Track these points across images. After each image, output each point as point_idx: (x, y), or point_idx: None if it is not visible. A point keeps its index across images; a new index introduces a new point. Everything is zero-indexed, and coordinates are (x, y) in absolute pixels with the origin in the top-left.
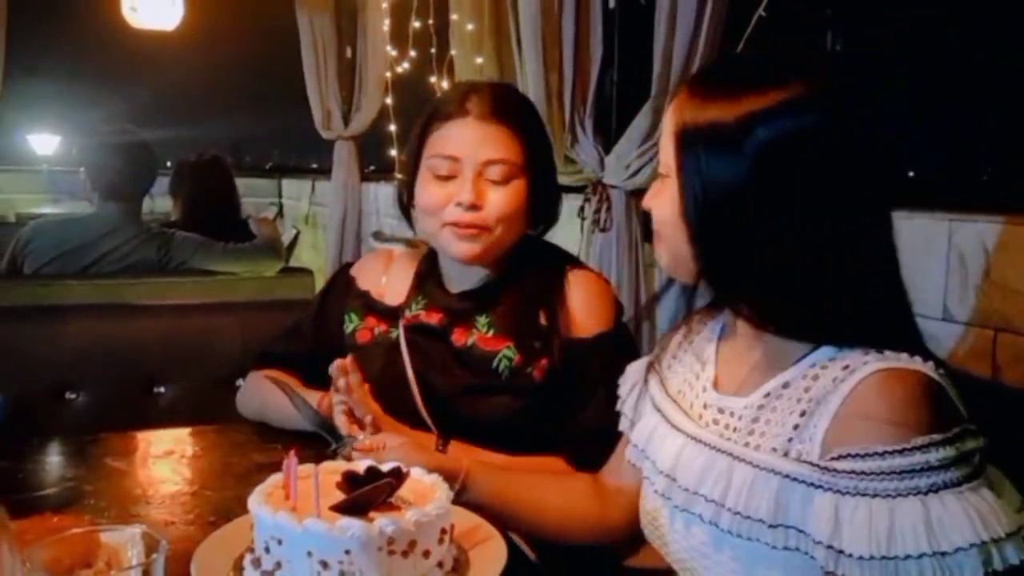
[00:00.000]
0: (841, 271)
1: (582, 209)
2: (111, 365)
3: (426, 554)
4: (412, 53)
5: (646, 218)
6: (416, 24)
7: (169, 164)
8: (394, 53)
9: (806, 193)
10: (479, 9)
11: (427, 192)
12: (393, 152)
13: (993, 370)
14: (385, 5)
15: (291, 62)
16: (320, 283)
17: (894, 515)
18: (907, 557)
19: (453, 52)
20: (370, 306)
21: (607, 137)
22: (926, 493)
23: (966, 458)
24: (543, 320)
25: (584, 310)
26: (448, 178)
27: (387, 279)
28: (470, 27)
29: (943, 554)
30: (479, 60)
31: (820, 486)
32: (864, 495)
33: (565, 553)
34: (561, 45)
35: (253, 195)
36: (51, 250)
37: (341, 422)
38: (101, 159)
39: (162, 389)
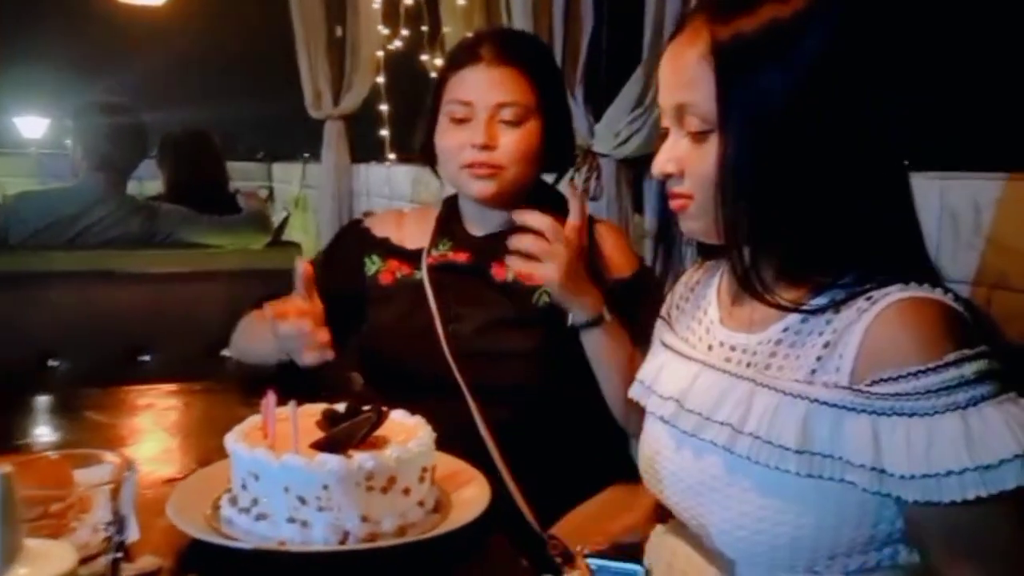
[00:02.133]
0: (875, 196)
1: (572, 178)
2: (95, 333)
3: (406, 492)
4: (404, 31)
5: (636, 187)
6: (408, 1)
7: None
8: (386, 31)
9: (851, 108)
10: None
11: (445, 136)
12: (384, 132)
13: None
14: None
15: (283, 42)
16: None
17: (932, 433)
18: (948, 473)
19: (446, 29)
20: (391, 250)
21: (597, 105)
22: (965, 407)
23: (997, 373)
24: None
25: (619, 255)
26: (464, 121)
27: (404, 229)
28: (461, 2)
29: (986, 467)
30: (470, 35)
31: (853, 409)
32: (901, 415)
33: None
34: (551, 14)
35: (244, 179)
36: (36, 221)
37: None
38: (94, 128)
39: (147, 358)
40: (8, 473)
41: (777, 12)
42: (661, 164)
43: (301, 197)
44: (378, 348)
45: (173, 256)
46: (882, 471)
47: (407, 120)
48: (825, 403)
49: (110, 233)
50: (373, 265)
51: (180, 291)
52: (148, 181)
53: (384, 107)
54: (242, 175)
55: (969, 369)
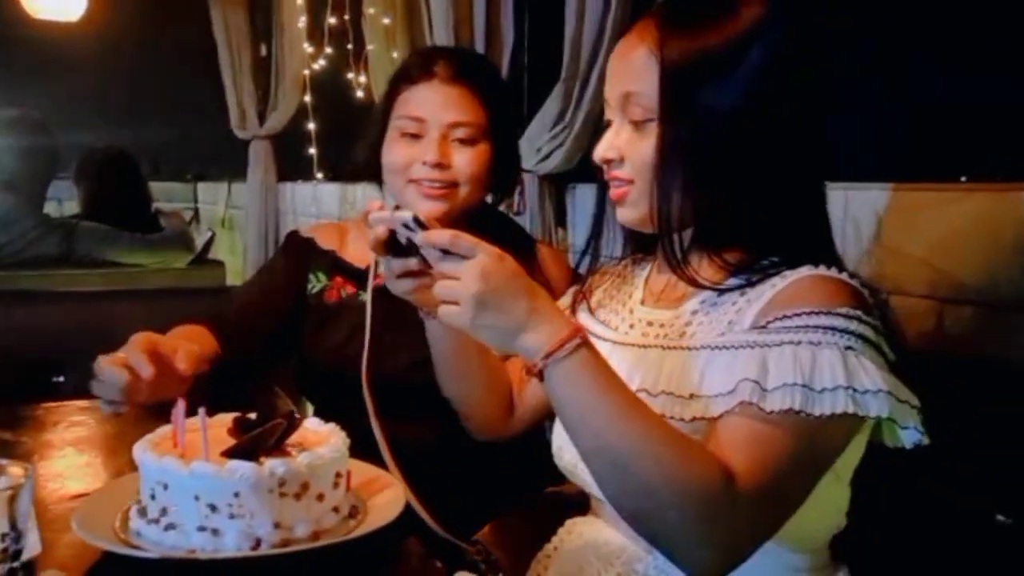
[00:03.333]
0: (795, 191)
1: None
2: (6, 354)
3: (320, 497)
4: (328, 50)
5: (558, 201)
6: (332, 20)
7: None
8: (310, 50)
9: (784, 111)
10: (393, 2)
11: (394, 151)
12: (312, 151)
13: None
14: (300, 2)
15: (207, 61)
16: (232, 275)
17: (816, 357)
18: (823, 390)
19: (369, 47)
20: (337, 265)
21: (519, 122)
22: (845, 349)
23: (882, 352)
24: None
25: (564, 281)
26: (415, 137)
27: (347, 244)
28: (386, 21)
29: (856, 390)
30: (395, 55)
31: (746, 346)
32: (789, 344)
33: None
34: (472, 32)
35: (168, 200)
36: None
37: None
38: None
39: (61, 378)
40: None
41: (723, 27)
42: (603, 151)
43: (227, 217)
44: (312, 366)
45: (93, 276)
46: (764, 388)
47: (334, 139)
48: (722, 348)
49: (25, 254)
50: (319, 282)
51: (97, 310)
52: (68, 201)
53: (312, 126)
54: (166, 195)
55: (857, 326)
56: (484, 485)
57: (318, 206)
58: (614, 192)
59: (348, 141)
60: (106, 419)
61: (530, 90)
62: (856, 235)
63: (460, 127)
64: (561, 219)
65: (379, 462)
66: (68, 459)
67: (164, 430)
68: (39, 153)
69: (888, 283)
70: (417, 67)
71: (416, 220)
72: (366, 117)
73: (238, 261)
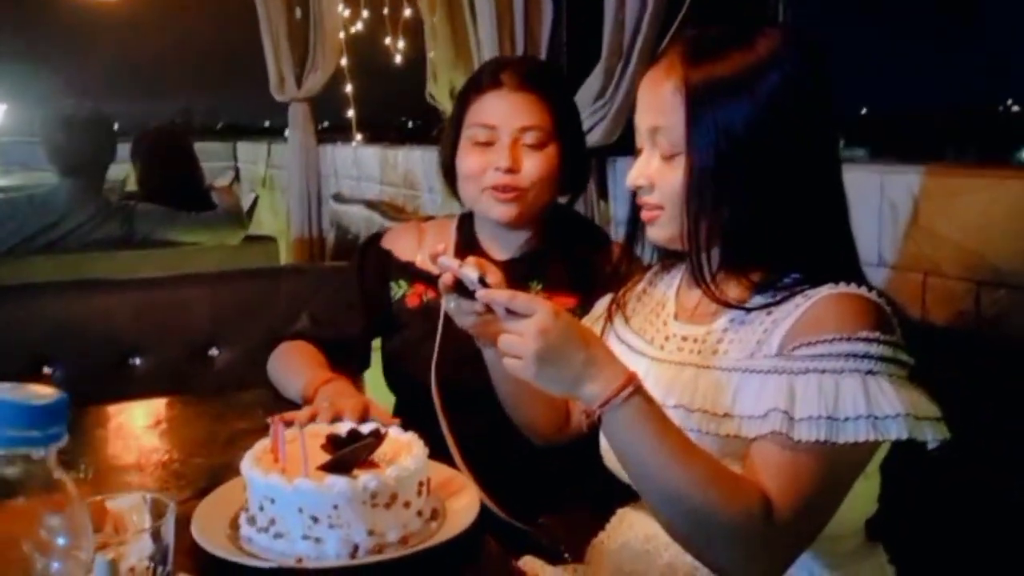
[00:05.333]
0: (817, 210)
1: None
2: (85, 341)
3: (407, 505)
4: (365, 13)
5: (600, 174)
6: None
7: (116, 127)
8: (347, 13)
9: (803, 133)
10: None
11: (468, 159)
12: (351, 113)
13: (923, 311)
14: None
15: (240, 24)
16: (284, 250)
17: (839, 387)
18: (846, 419)
19: (407, 12)
20: (417, 274)
21: None
22: (866, 374)
23: (902, 364)
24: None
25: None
26: (487, 145)
27: (422, 254)
28: None
29: (876, 417)
30: (433, 19)
31: (774, 372)
32: (814, 372)
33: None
34: (512, 4)
35: (208, 159)
36: (12, 236)
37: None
38: (58, 136)
39: (137, 361)
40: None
41: (743, 57)
42: (634, 179)
43: (268, 176)
44: (393, 364)
45: (152, 257)
46: (792, 417)
47: (372, 102)
48: (753, 371)
49: (89, 238)
50: (400, 289)
51: (164, 295)
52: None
53: (349, 88)
54: (206, 155)
55: (876, 349)
56: (544, 473)
57: (359, 169)
58: (645, 215)
59: (386, 104)
60: (191, 420)
61: (569, 66)
62: (893, 216)
63: (529, 131)
64: (603, 192)
65: (447, 452)
66: (168, 460)
67: (263, 444)
68: (94, 139)
69: (925, 264)
70: (486, 77)
71: (480, 280)
72: (404, 81)
73: (280, 222)
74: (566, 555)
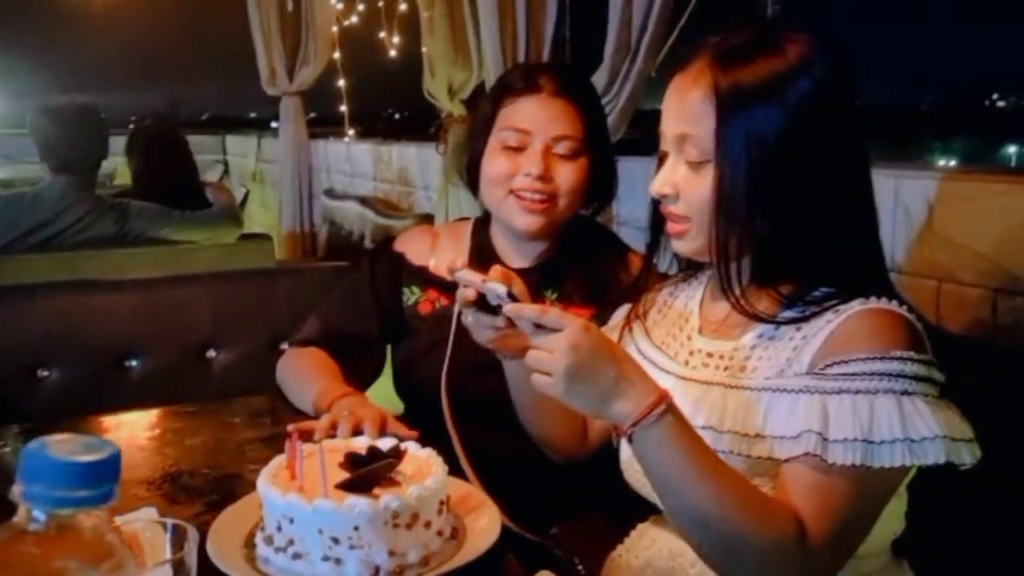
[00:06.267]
0: (847, 221)
1: None
2: (81, 342)
3: (427, 524)
4: (360, 7)
5: None
6: None
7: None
8: (340, 7)
9: (833, 140)
10: None
11: (496, 162)
12: (343, 108)
13: (937, 318)
14: None
15: (227, 14)
16: (279, 247)
17: (874, 408)
18: (882, 442)
19: (403, 6)
20: (429, 280)
21: None
22: (900, 394)
23: (935, 382)
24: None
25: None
26: (517, 150)
27: (436, 258)
28: None
29: (913, 440)
30: (427, 14)
31: (805, 391)
32: (847, 392)
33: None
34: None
35: (197, 153)
36: (4, 234)
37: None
38: (49, 134)
39: (134, 363)
40: None
41: (773, 64)
42: (659, 186)
43: (258, 171)
44: (403, 371)
45: (147, 255)
46: (826, 439)
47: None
48: (784, 391)
49: (83, 236)
50: (412, 295)
51: (162, 295)
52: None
53: (342, 82)
54: (195, 148)
55: (911, 368)
56: (556, 482)
57: (352, 165)
58: (671, 228)
59: (375, 97)
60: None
61: (572, 61)
62: (907, 222)
63: (563, 141)
64: None
65: (455, 459)
66: (176, 472)
67: (279, 460)
68: (89, 134)
69: (940, 271)
70: (521, 80)
71: (509, 294)
72: (398, 76)
73: (271, 217)
74: (580, 567)
